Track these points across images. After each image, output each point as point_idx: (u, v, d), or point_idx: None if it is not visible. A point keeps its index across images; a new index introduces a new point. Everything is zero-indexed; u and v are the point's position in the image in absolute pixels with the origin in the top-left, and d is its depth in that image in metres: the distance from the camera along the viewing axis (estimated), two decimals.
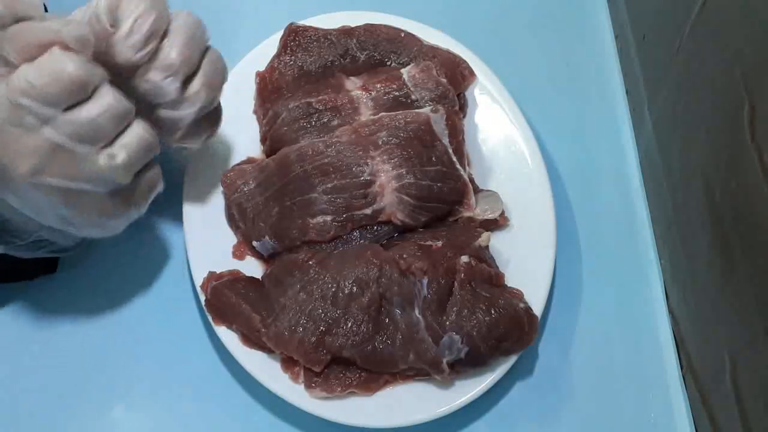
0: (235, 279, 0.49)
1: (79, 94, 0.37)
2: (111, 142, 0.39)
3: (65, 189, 0.38)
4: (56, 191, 0.38)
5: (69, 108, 0.37)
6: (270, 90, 0.54)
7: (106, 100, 0.37)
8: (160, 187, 0.44)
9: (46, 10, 0.50)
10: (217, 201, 0.51)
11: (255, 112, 0.55)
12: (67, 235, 0.45)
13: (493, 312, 0.46)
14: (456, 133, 0.51)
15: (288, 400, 0.46)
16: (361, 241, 0.50)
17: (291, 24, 0.55)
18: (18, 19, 0.36)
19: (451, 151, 0.51)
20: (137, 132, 0.39)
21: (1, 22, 0.36)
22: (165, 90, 0.41)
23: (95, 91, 0.37)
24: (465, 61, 0.56)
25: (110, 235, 0.44)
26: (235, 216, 0.51)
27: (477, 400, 0.47)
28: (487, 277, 0.48)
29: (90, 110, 0.37)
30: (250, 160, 0.53)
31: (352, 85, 0.54)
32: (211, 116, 0.46)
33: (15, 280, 0.50)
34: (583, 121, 0.60)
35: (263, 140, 0.53)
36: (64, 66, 0.36)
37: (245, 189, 0.50)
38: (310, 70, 0.55)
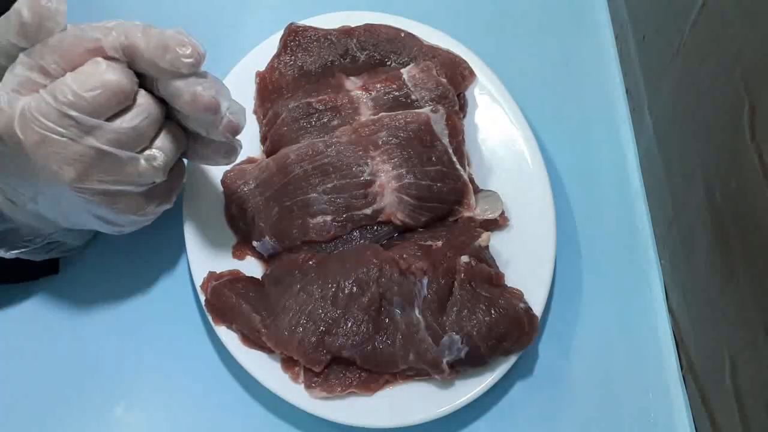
0: (235, 279, 0.49)
1: (125, 103, 0.38)
2: (149, 144, 0.40)
3: (106, 191, 0.39)
4: (98, 194, 0.39)
5: (113, 116, 0.38)
6: (270, 90, 0.54)
7: (145, 106, 0.38)
8: (184, 179, 0.45)
9: None
10: (217, 201, 0.51)
11: (255, 112, 0.55)
12: (79, 235, 0.46)
13: (493, 312, 0.46)
14: (456, 133, 0.51)
15: (288, 400, 0.46)
16: (361, 241, 0.50)
17: (291, 24, 0.55)
18: (42, 27, 0.36)
19: (451, 151, 0.51)
20: (171, 131, 0.41)
21: (26, 29, 0.36)
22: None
23: (135, 98, 0.38)
24: (465, 61, 0.56)
25: (138, 228, 0.45)
26: (235, 216, 0.51)
27: (477, 400, 0.47)
28: (487, 277, 0.48)
29: (133, 117, 0.38)
30: (250, 160, 0.53)
31: (352, 85, 0.54)
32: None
33: (17, 281, 0.50)
34: (583, 121, 0.60)
35: (263, 140, 0.53)
36: (111, 76, 0.37)
37: (245, 189, 0.50)
38: (310, 70, 0.55)
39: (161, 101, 0.40)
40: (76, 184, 0.38)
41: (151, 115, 0.39)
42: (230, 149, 0.43)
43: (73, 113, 0.36)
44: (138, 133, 0.39)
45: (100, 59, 0.37)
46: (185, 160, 0.45)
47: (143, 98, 0.38)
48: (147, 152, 0.40)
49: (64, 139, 0.36)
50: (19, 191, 0.40)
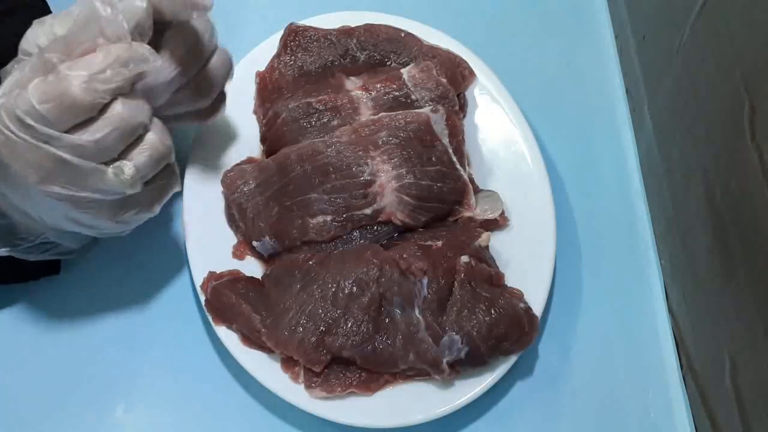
0: (235, 279, 0.49)
1: (83, 117, 0.37)
2: (120, 156, 0.39)
3: (72, 197, 0.38)
4: (66, 198, 0.38)
5: (73, 128, 0.37)
6: (270, 90, 0.54)
7: (114, 119, 0.37)
8: (176, 189, 0.44)
9: (48, 7, 0.51)
10: (217, 201, 0.51)
11: (255, 112, 0.55)
12: (73, 237, 0.45)
13: (493, 312, 0.46)
14: (456, 133, 0.51)
15: (288, 400, 0.46)
16: (361, 241, 0.50)
17: (291, 24, 0.55)
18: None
19: (451, 151, 0.51)
20: (150, 143, 0.39)
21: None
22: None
23: (104, 109, 0.37)
24: (465, 61, 0.56)
25: (124, 233, 0.44)
26: (235, 216, 0.51)
27: (477, 400, 0.47)
28: (487, 277, 0.48)
29: (97, 130, 0.37)
30: (250, 160, 0.53)
31: (352, 85, 0.54)
32: (202, 88, 0.45)
33: (18, 282, 0.50)
34: (583, 121, 0.60)
35: (263, 140, 0.53)
36: (66, 89, 0.36)
37: (245, 189, 0.50)
38: (310, 70, 0.55)
39: (144, 107, 0.39)
40: (39, 187, 0.37)
41: (120, 129, 0.37)
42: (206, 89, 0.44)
43: (29, 122, 0.35)
44: (101, 146, 0.37)
45: (63, 68, 0.36)
46: (177, 169, 0.44)
47: (116, 111, 0.37)
48: (116, 164, 0.38)
49: (23, 143, 0.36)
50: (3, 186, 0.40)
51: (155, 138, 0.39)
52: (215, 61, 0.44)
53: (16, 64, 0.40)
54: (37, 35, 0.39)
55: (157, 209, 0.43)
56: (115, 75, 0.36)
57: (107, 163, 0.38)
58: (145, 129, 0.39)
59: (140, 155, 0.39)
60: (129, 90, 0.38)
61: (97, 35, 0.37)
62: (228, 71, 0.45)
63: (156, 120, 0.40)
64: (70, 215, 0.40)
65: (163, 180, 0.42)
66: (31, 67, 0.37)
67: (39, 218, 0.41)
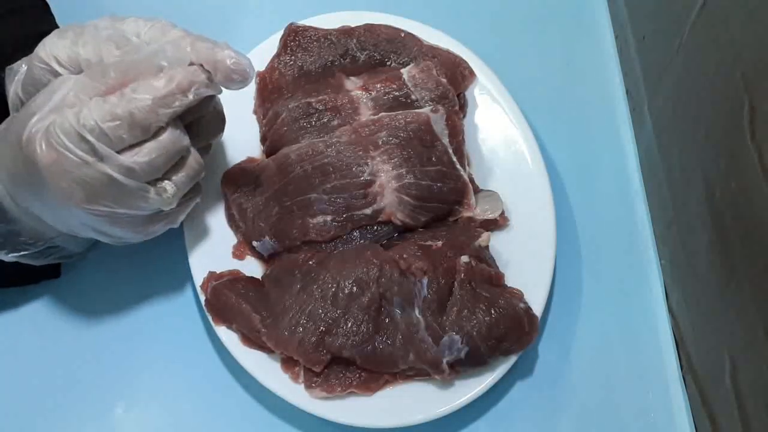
0: (235, 279, 0.49)
1: (143, 137, 0.38)
2: (163, 176, 0.41)
3: (112, 213, 0.40)
4: (106, 214, 0.40)
5: (124, 149, 0.38)
6: (270, 90, 0.54)
7: (165, 142, 0.39)
8: (197, 200, 0.46)
9: (52, 15, 0.51)
10: (217, 201, 0.51)
11: (255, 112, 0.55)
12: (78, 242, 0.46)
13: (493, 312, 0.46)
14: (456, 133, 0.51)
15: (288, 400, 0.46)
16: (361, 241, 0.50)
17: (291, 24, 0.55)
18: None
19: (451, 151, 0.51)
20: (189, 164, 0.42)
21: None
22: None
23: (158, 132, 0.39)
24: (465, 61, 0.56)
25: (140, 240, 0.45)
26: (235, 216, 0.51)
27: (477, 400, 0.47)
28: (487, 277, 0.48)
29: (149, 152, 0.39)
30: (250, 160, 0.53)
31: (352, 85, 0.54)
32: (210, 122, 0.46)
33: (20, 285, 0.50)
34: (583, 121, 0.60)
35: (263, 140, 0.53)
36: (132, 111, 0.37)
37: (245, 189, 0.50)
38: (310, 70, 0.55)
39: (184, 133, 0.40)
40: (83, 205, 0.39)
41: (169, 152, 0.39)
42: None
43: (91, 138, 0.37)
44: (152, 167, 0.39)
45: (128, 90, 0.38)
46: (201, 183, 0.45)
47: (166, 134, 0.39)
48: (159, 184, 0.40)
49: (78, 160, 0.37)
50: (27, 197, 0.41)
51: (192, 159, 0.42)
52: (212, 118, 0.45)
53: (27, 68, 0.41)
54: (57, 47, 0.40)
55: (180, 221, 0.45)
56: (175, 101, 0.38)
57: (150, 183, 0.40)
58: (188, 152, 0.41)
59: (179, 175, 0.41)
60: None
61: (159, 61, 0.39)
62: (222, 127, 0.46)
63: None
64: (102, 229, 0.42)
65: (191, 194, 0.45)
66: (80, 88, 0.38)
67: (52, 224, 0.42)
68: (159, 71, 0.39)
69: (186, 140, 0.41)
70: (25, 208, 0.41)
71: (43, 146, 0.37)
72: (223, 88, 0.41)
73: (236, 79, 0.40)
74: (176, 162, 0.41)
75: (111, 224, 0.41)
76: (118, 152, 0.38)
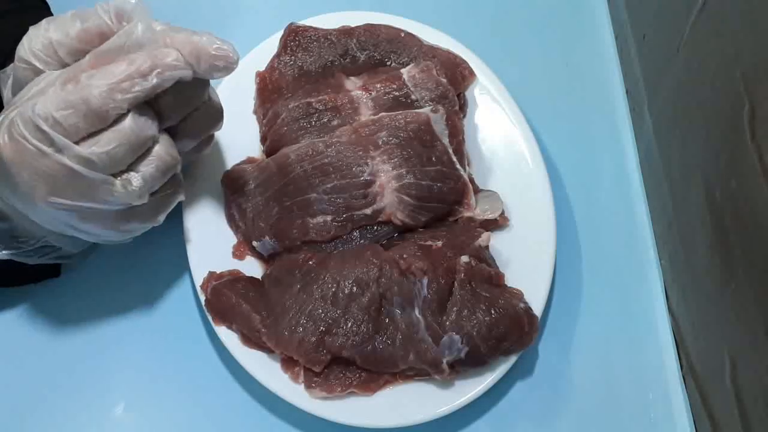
0: (235, 279, 0.49)
1: (99, 126, 0.37)
2: (128, 168, 0.39)
3: (78, 208, 0.38)
4: (72, 208, 0.38)
5: (83, 139, 0.37)
6: (270, 90, 0.54)
7: (125, 131, 0.37)
8: (180, 198, 0.44)
9: (52, 15, 0.51)
10: (217, 201, 0.51)
11: (255, 112, 0.55)
12: (73, 242, 0.46)
13: (493, 312, 0.46)
14: (456, 133, 0.51)
15: (288, 400, 0.46)
16: (361, 241, 0.50)
17: (291, 24, 0.55)
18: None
19: (451, 151, 0.51)
20: (157, 155, 0.39)
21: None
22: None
23: (116, 121, 0.37)
24: (465, 61, 0.56)
25: (127, 241, 0.45)
26: (235, 216, 0.51)
27: (477, 400, 0.47)
28: (487, 277, 0.48)
29: (108, 142, 0.37)
30: (250, 160, 0.53)
31: (352, 85, 0.54)
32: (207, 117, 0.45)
33: (19, 284, 0.50)
34: (582, 121, 0.60)
35: (263, 140, 0.53)
36: (86, 97, 0.36)
37: (245, 189, 0.50)
38: (310, 70, 0.55)
39: (153, 120, 0.39)
40: (47, 198, 0.37)
41: (131, 141, 0.37)
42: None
43: (45, 128, 0.35)
44: (112, 158, 0.37)
45: (84, 76, 0.36)
46: (182, 179, 0.44)
47: (127, 122, 0.37)
48: (124, 176, 0.38)
49: (35, 150, 0.36)
50: (6, 193, 0.40)
51: (162, 150, 0.40)
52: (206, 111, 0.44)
53: (12, 71, 0.40)
54: (31, 40, 0.39)
55: (161, 219, 0.44)
56: (134, 85, 0.36)
57: (115, 175, 0.38)
58: (154, 142, 0.39)
59: (148, 167, 0.39)
60: (145, 100, 0.38)
61: (128, 44, 0.37)
62: (219, 119, 0.45)
63: (164, 132, 0.40)
64: (73, 224, 0.40)
65: (169, 190, 0.42)
66: (53, 78, 0.37)
67: (36, 220, 0.41)
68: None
69: (153, 129, 0.38)
70: (12, 205, 0.41)
71: (6, 137, 0.36)
72: (210, 79, 0.39)
73: (220, 65, 0.38)
74: (144, 153, 0.39)
75: (81, 220, 0.39)
76: (77, 142, 0.36)
